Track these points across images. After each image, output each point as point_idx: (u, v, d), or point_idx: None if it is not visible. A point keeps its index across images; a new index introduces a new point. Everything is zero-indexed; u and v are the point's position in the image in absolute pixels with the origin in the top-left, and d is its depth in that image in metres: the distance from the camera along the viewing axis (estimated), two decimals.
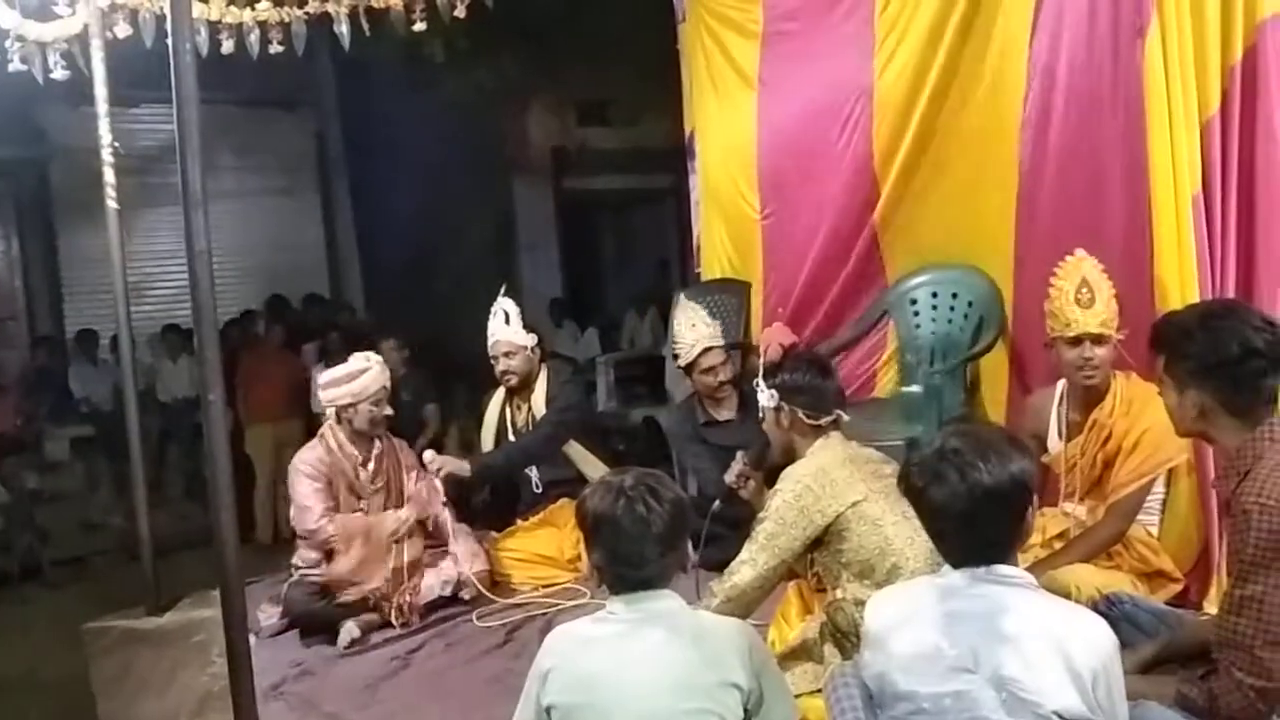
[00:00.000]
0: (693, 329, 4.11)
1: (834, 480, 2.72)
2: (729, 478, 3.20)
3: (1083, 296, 3.00)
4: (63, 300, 9.36)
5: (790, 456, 2.89)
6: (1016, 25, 3.87)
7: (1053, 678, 1.71)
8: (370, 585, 3.77)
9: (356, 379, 3.89)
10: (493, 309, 4.38)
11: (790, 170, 4.76)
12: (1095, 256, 3.11)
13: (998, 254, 4.09)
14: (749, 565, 2.73)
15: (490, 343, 4.38)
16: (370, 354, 4.05)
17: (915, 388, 4.33)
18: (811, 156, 4.65)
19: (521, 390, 4.43)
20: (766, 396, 2.90)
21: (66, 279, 9.33)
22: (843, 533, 2.70)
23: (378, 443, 3.97)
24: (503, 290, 4.42)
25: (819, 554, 2.79)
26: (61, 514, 7.56)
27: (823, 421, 2.85)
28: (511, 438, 4.45)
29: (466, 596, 3.91)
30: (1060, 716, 1.70)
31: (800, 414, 2.85)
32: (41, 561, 7.07)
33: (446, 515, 4.05)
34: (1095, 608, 2.55)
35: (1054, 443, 3.20)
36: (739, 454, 3.24)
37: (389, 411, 3.97)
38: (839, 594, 2.73)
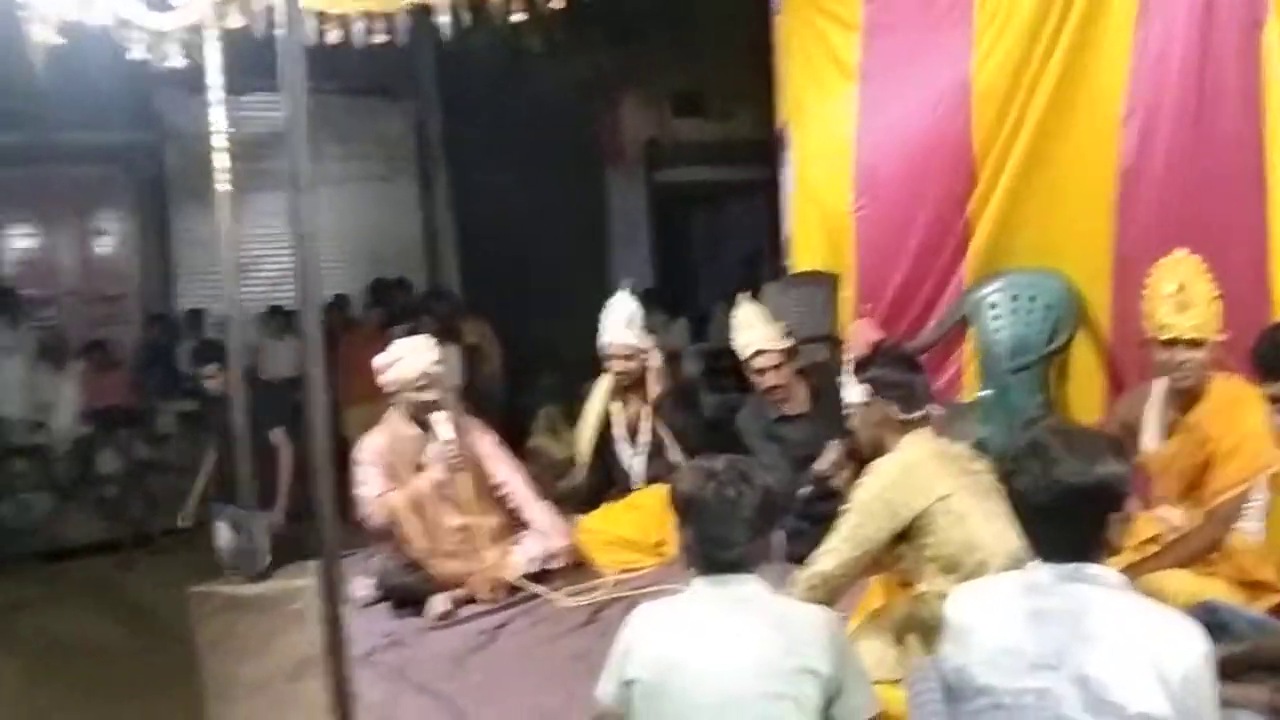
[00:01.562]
0: (749, 329, 4.08)
1: (921, 474, 2.71)
2: (822, 465, 3.21)
3: (1178, 299, 2.92)
4: (175, 280, 9.72)
5: (878, 452, 2.87)
6: (1121, 15, 3.79)
7: (1139, 680, 1.69)
8: (452, 560, 3.84)
9: (393, 367, 3.92)
10: (614, 303, 4.37)
11: (888, 164, 4.71)
12: (1205, 255, 3.01)
13: (1093, 252, 4.00)
14: (832, 555, 2.74)
15: (606, 341, 4.38)
16: (417, 339, 4.07)
17: (987, 391, 4.28)
18: (910, 150, 4.60)
19: (634, 388, 4.45)
20: (856, 392, 2.90)
21: (178, 259, 9.69)
22: (928, 527, 2.68)
23: (451, 431, 3.89)
24: (626, 288, 4.37)
25: (904, 548, 2.78)
26: (170, 484, 7.91)
27: (914, 416, 2.83)
28: (618, 430, 4.47)
29: (557, 566, 3.93)
30: (1146, 719, 1.68)
31: (891, 409, 2.84)
32: (152, 529, 7.42)
33: (519, 483, 4.08)
34: (1190, 615, 2.50)
35: (1152, 442, 3.12)
36: (832, 442, 3.24)
37: (431, 397, 3.89)
38: (923, 587, 2.72)
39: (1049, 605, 1.79)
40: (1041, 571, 1.83)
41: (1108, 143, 3.90)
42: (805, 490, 3.14)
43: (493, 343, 8.54)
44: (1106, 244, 3.99)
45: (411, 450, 3.95)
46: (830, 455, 3.20)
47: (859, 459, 3.09)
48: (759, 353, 4.05)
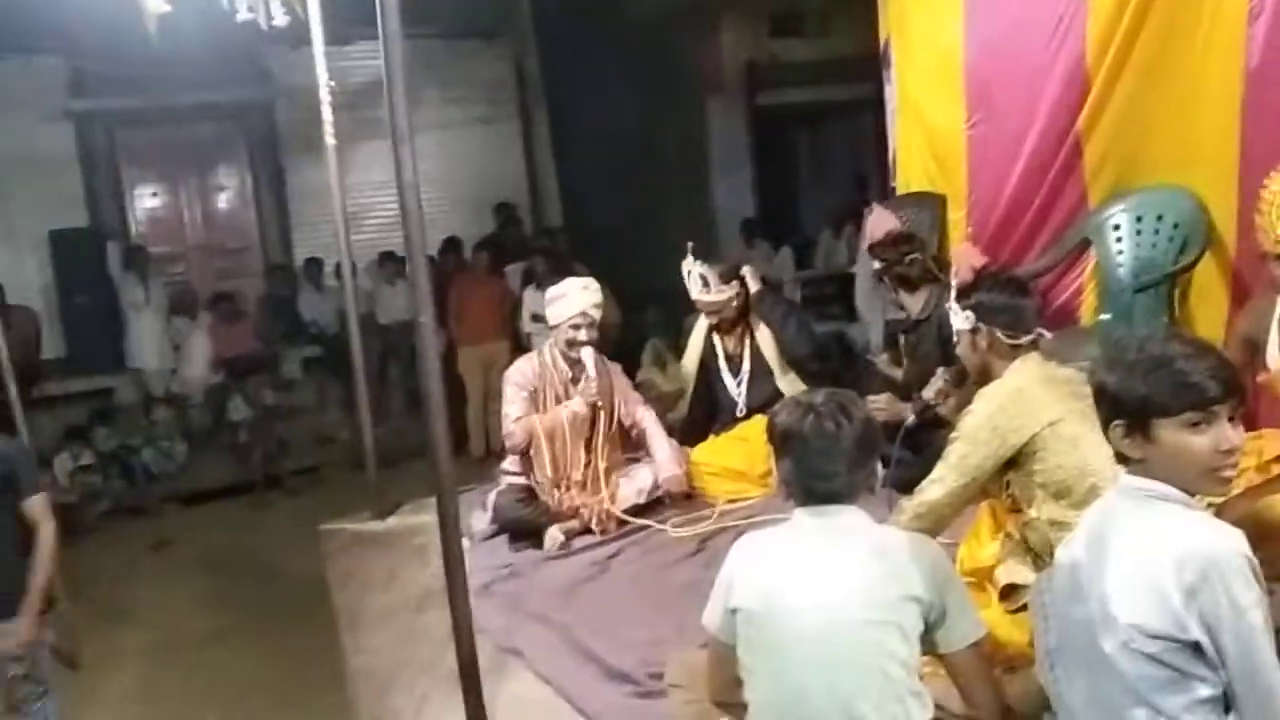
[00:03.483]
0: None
1: (1030, 400, 2.66)
2: (928, 394, 3.18)
3: None
4: (291, 231, 10.06)
5: (986, 378, 2.83)
6: None
7: (1135, 593, 1.66)
8: (569, 491, 3.99)
9: (555, 303, 4.10)
10: (685, 269, 4.41)
11: (1000, 76, 4.50)
12: None
13: (1218, 163, 3.79)
14: (939, 484, 2.72)
15: (695, 301, 4.46)
16: (584, 280, 4.21)
17: (1108, 314, 4.13)
18: (1022, 60, 4.38)
19: (733, 326, 4.51)
20: (962, 319, 2.85)
21: (294, 211, 10.01)
22: (1038, 453, 2.64)
23: (594, 368, 4.06)
24: (690, 251, 4.41)
25: (1014, 474, 2.74)
26: (297, 428, 8.28)
27: (1022, 341, 2.77)
28: (721, 363, 4.55)
29: (664, 495, 4.08)
30: (1141, 632, 1.65)
31: (999, 334, 2.78)
32: (281, 471, 7.80)
33: (650, 420, 4.23)
34: None
35: (1274, 357, 2.99)
36: (939, 370, 3.20)
37: (584, 336, 4.04)
38: (1033, 513, 2.69)
39: (1108, 524, 1.78)
40: (1114, 492, 1.82)
41: (1234, 42, 3.66)
42: (911, 419, 3.11)
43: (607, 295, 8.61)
44: (1233, 152, 3.76)
45: (558, 381, 4.11)
46: (937, 383, 3.15)
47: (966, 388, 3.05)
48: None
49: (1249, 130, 3.67)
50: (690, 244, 4.43)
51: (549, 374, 4.11)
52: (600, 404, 4.06)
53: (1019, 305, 2.82)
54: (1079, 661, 1.80)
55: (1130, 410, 1.74)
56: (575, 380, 4.07)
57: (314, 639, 4.16)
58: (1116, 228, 4.18)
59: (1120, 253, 4.15)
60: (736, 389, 4.52)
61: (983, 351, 2.83)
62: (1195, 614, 1.61)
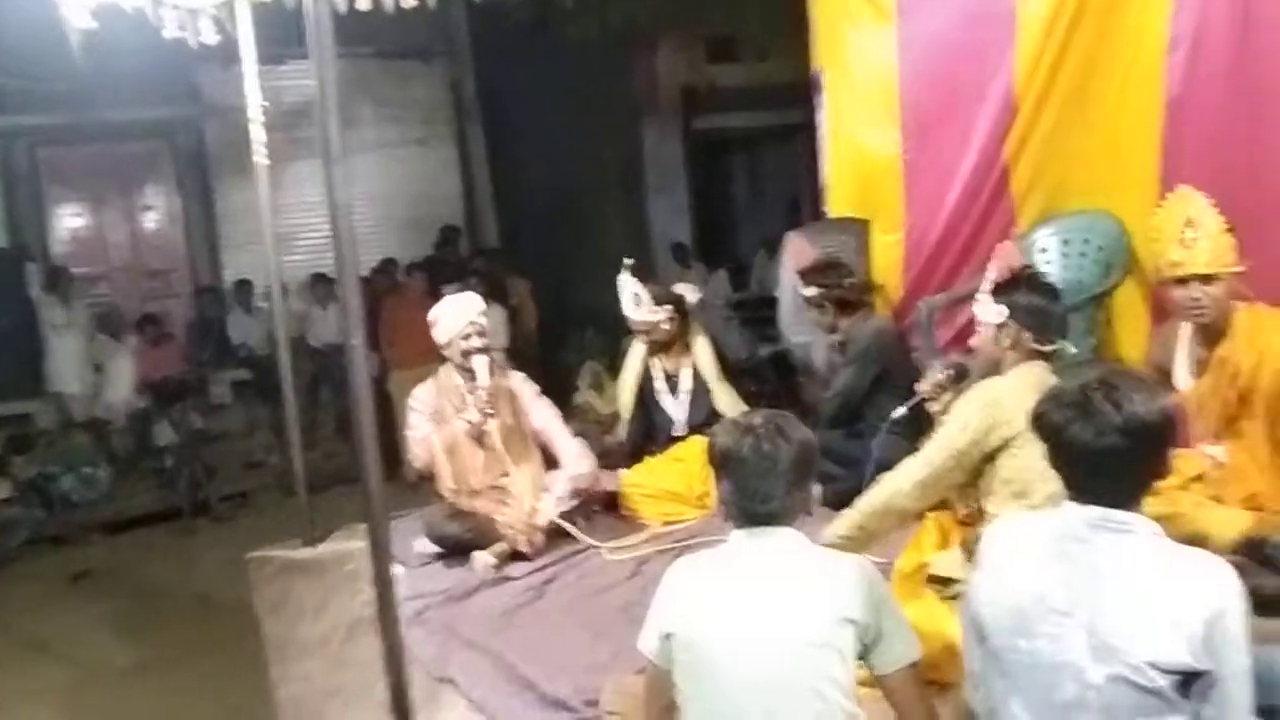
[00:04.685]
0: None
1: (1024, 399, 2.68)
2: (923, 386, 3.22)
3: (1186, 236, 2.86)
4: (220, 252, 9.87)
5: (994, 373, 2.89)
6: None
7: (1151, 628, 1.69)
8: (480, 500, 3.98)
9: (440, 323, 4.12)
10: (619, 285, 4.42)
11: (934, 103, 4.60)
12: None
13: (1140, 189, 3.90)
14: (923, 460, 2.78)
15: (628, 319, 4.47)
16: (465, 294, 4.25)
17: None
18: (955, 87, 4.47)
19: (668, 347, 4.52)
20: (993, 312, 2.89)
21: (223, 232, 9.83)
22: (1016, 451, 2.69)
23: (486, 376, 4.05)
24: (626, 267, 4.43)
25: (988, 466, 2.78)
26: (226, 453, 8.09)
27: (1045, 347, 2.83)
28: (660, 384, 4.55)
29: (586, 493, 4.08)
30: (1155, 667, 1.68)
31: (1025, 335, 2.83)
32: (209, 497, 7.60)
33: (551, 422, 4.20)
34: (1238, 551, 2.48)
35: (1183, 380, 3.07)
36: (936, 364, 3.25)
37: (476, 345, 4.04)
38: (992, 509, 2.75)
39: (1074, 551, 1.80)
40: (1072, 515, 1.83)
41: (1154, 72, 3.79)
42: (902, 410, 3.16)
43: (530, 303, 8.58)
44: (1153, 177, 3.88)
45: (458, 398, 4.11)
46: (934, 376, 3.20)
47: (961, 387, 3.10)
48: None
49: (1169, 157, 3.79)
50: (628, 260, 4.46)
51: (446, 391, 4.13)
52: (493, 411, 4.03)
53: (1052, 311, 2.88)
54: (1029, 691, 1.81)
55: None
56: (472, 392, 4.08)
57: (242, 670, 4.06)
58: (1044, 251, 4.28)
59: (1048, 275, 4.24)
60: (675, 408, 4.52)
61: (1003, 348, 2.88)
62: (1210, 647, 1.67)
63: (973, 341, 3.01)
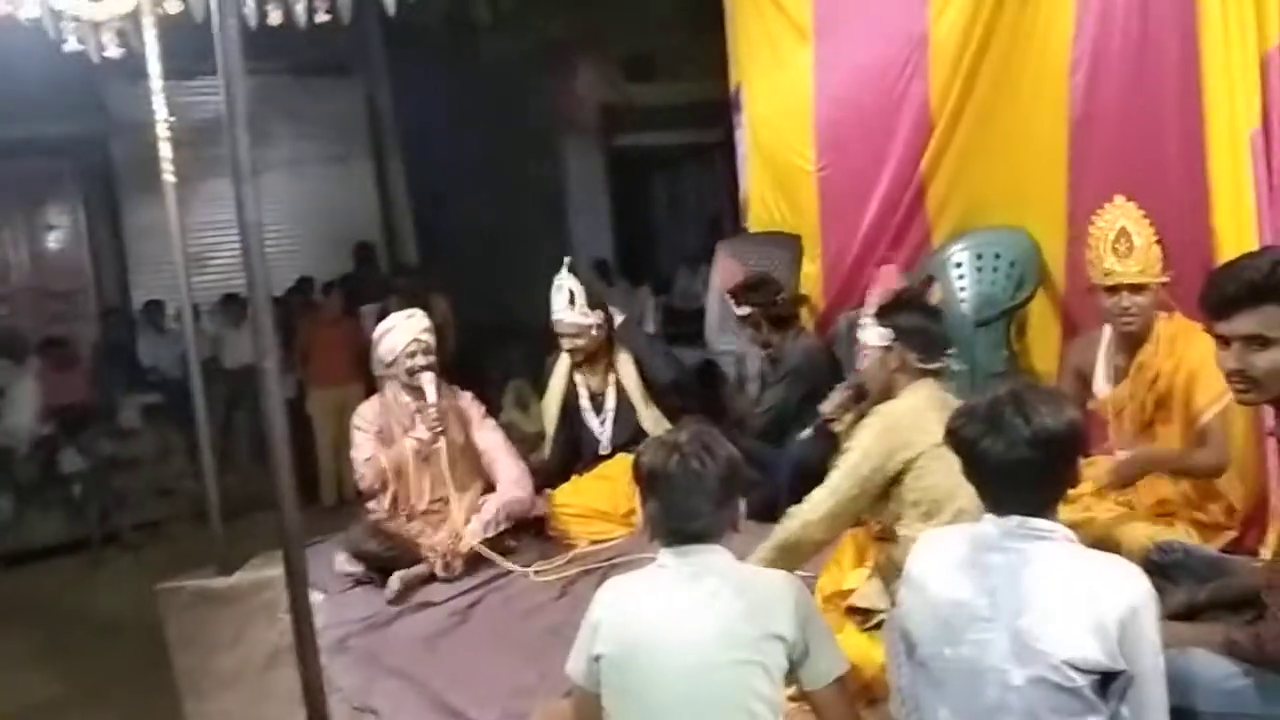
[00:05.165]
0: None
1: (922, 420, 2.73)
2: (826, 407, 3.24)
3: (1119, 246, 2.96)
4: (129, 272, 9.59)
5: (886, 397, 2.92)
6: None
7: (1068, 629, 1.73)
8: (415, 523, 3.93)
9: (384, 339, 4.07)
10: (556, 283, 4.34)
11: (848, 122, 4.68)
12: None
13: (1048, 204, 4.02)
14: (830, 491, 2.79)
15: (554, 320, 4.38)
16: (408, 311, 4.18)
17: (951, 350, 4.32)
18: (870, 107, 4.57)
19: (591, 362, 4.47)
20: (875, 335, 2.92)
21: (131, 251, 9.54)
22: (917, 471, 2.72)
23: (435, 394, 4.00)
24: (566, 265, 4.37)
25: (894, 489, 2.80)
26: (136, 480, 7.81)
27: (931, 366, 2.87)
28: (585, 402, 4.50)
29: (517, 518, 4.02)
30: (1073, 666, 1.72)
31: (910, 356, 2.87)
32: (119, 526, 7.34)
33: (496, 443, 4.18)
34: (1148, 558, 2.55)
35: (1101, 387, 3.16)
36: (839, 386, 3.28)
37: (422, 363, 4.00)
38: (904, 532, 2.76)
39: (993, 559, 1.84)
40: (989, 525, 1.87)
41: (1058, 92, 3.90)
42: (807, 431, 3.18)
43: (449, 320, 8.49)
44: (1061, 194, 4.00)
45: (404, 416, 4.05)
46: (836, 398, 3.23)
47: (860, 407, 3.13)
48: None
49: (1075, 173, 3.91)
50: (568, 258, 4.42)
51: (393, 410, 4.06)
52: (443, 429, 3.98)
53: (935, 331, 2.92)
54: (956, 698, 1.84)
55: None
56: (420, 411, 4.02)
57: (155, 704, 3.90)
58: (958, 265, 4.37)
59: (962, 289, 4.33)
60: (600, 427, 4.49)
61: (891, 371, 2.90)
62: (1124, 646, 1.71)
63: (859, 365, 3.04)
